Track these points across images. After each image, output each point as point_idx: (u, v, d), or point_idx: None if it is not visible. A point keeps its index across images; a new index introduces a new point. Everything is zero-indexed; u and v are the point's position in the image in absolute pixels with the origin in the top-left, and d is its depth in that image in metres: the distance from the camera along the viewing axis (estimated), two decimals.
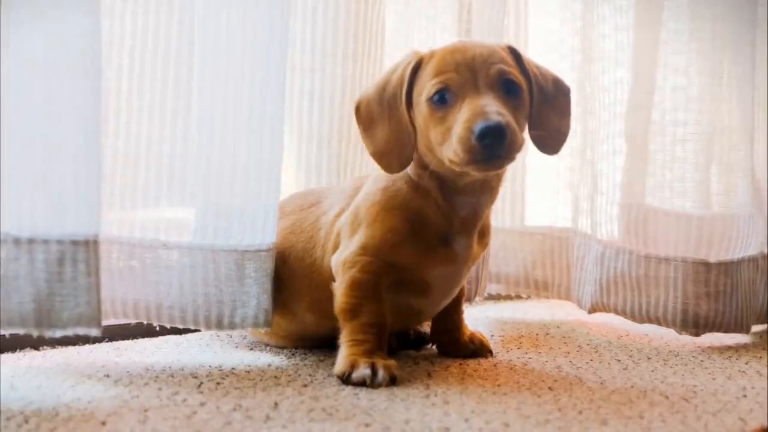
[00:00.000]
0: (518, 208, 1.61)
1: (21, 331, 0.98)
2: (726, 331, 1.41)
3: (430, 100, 1.05)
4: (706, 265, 1.39)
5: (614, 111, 1.47)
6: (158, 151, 1.16)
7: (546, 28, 1.60)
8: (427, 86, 1.05)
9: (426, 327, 1.30)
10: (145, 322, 1.16)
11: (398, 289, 1.12)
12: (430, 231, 1.10)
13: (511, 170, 1.58)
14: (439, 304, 1.18)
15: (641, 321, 1.43)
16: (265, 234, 1.16)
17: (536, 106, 1.10)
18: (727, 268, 1.40)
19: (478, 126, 0.98)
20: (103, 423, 0.87)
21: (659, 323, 1.42)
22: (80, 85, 0.99)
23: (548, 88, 1.12)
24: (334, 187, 1.29)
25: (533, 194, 1.65)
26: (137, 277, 1.14)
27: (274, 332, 1.23)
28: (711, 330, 1.40)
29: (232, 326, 1.16)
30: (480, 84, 1.04)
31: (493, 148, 0.98)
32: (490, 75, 1.04)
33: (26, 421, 0.86)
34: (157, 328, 1.22)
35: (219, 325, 1.15)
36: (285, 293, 1.18)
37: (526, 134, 1.09)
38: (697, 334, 1.40)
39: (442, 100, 1.04)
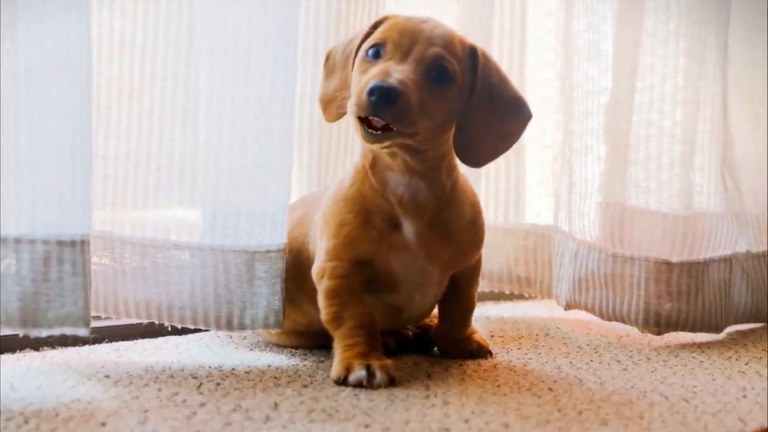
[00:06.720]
0: (502, 206, 1.61)
1: (7, 331, 0.99)
2: (692, 331, 1.41)
3: (365, 51, 1.07)
4: (669, 264, 1.39)
5: (595, 113, 1.45)
6: (170, 150, 1.16)
7: (546, 29, 1.60)
8: (369, 39, 1.08)
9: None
10: (145, 322, 1.17)
11: (371, 287, 1.13)
12: (376, 215, 1.10)
13: (500, 166, 1.60)
14: (414, 300, 1.16)
15: (609, 319, 1.43)
16: (274, 234, 1.16)
17: (471, 110, 1.08)
18: (691, 267, 1.40)
19: (372, 82, 0.99)
20: (103, 423, 0.87)
21: (624, 321, 1.42)
22: (68, 85, 0.99)
23: (499, 104, 1.10)
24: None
25: (521, 192, 1.64)
26: (149, 277, 1.14)
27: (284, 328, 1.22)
28: (674, 329, 1.40)
29: (242, 327, 1.16)
30: (411, 56, 1.04)
31: (377, 107, 0.99)
32: (425, 53, 1.04)
33: (26, 422, 0.87)
34: (167, 327, 1.22)
35: (229, 326, 1.16)
36: (290, 283, 1.18)
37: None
38: (659, 333, 1.40)
39: (376, 54, 1.06)
